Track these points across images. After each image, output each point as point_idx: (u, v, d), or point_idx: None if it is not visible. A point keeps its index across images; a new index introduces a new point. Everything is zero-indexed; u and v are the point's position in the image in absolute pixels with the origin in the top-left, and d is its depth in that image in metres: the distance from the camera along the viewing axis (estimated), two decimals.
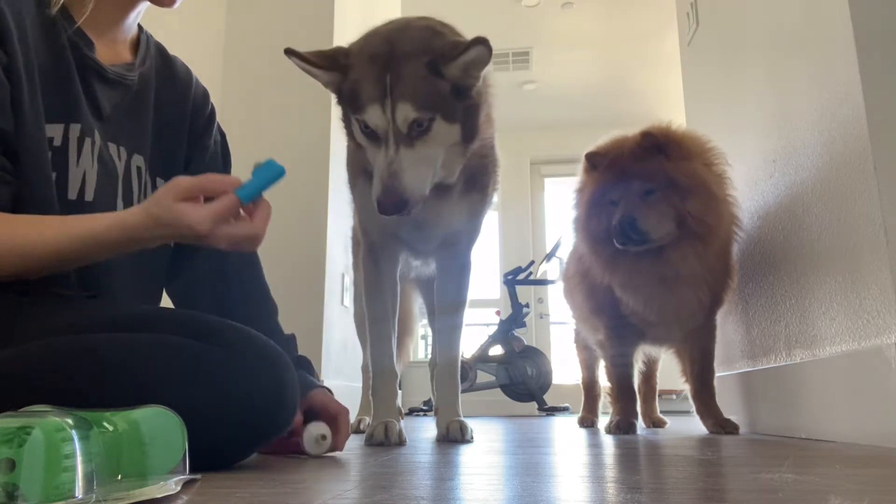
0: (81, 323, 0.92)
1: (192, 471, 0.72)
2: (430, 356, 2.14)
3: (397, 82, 1.19)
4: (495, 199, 1.63)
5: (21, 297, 0.96)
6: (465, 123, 1.26)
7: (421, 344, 5.10)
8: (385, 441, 1.38)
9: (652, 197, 1.65)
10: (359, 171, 1.47)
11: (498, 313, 5.10)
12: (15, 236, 0.90)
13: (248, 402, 0.87)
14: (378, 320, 1.53)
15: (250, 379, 0.88)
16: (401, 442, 1.40)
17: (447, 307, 1.61)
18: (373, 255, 1.53)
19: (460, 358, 1.61)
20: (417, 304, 2.24)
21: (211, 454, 0.86)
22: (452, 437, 1.47)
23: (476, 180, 1.47)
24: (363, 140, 1.28)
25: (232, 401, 0.87)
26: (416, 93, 1.19)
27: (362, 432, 1.68)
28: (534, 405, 4.30)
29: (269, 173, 0.91)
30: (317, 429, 1.11)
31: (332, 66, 1.25)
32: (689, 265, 1.67)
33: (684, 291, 1.74)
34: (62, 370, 0.85)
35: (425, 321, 2.28)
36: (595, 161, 1.76)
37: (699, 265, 1.69)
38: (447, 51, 1.21)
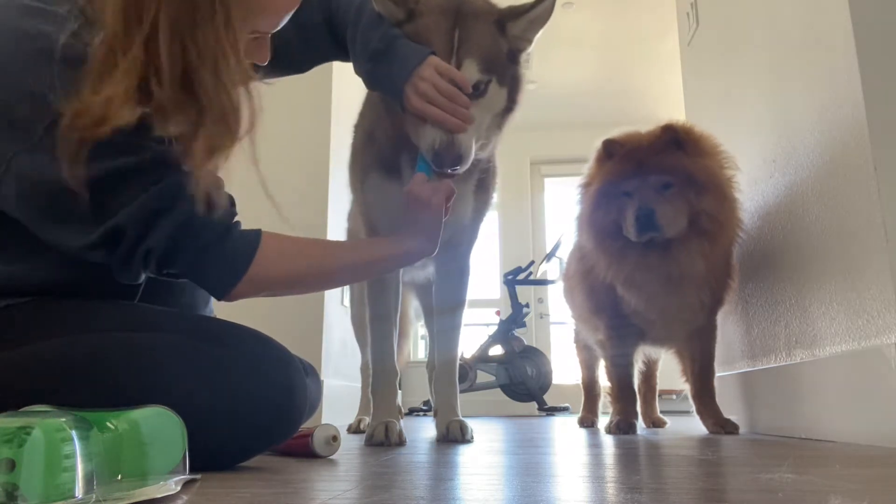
0: (96, 323, 0.92)
1: (198, 470, 0.72)
2: (428, 357, 2.14)
3: (466, 39, 1.20)
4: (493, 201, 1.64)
5: (40, 298, 0.96)
6: (511, 91, 1.27)
7: (421, 344, 5.10)
8: (385, 441, 1.38)
9: (669, 191, 1.63)
10: (372, 165, 1.44)
11: (498, 313, 5.09)
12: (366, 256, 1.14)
13: (258, 403, 0.88)
14: (380, 318, 1.53)
15: (261, 381, 0.89)
16: (401, 442, 1.40)
17: (446, 308, 1.61)
18: None
19: (459, 358, 1.62)
20: (413, 306, 2.24)
21: (219, 454, 0.86)
22: (452, 437, 1.47)
23: (484, 184, 1.50)
24: None
25: (243, 402, 0.87)
26: (483, 52, 1.20)
27: (362, 432, 1.68)
28: (534, 405, 4.29)
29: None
30: (326, 430, 1.11)
31: (402, 1, 1.24)
32: (695, 265, 1.67)
33: (687, 291, 1.73)
34: (77, 369, 0.85)
35: (423, 322, 2.28)
36: (612, 149, 1.73)
37: (704, 265, 1.68)
38: (510, 11, 1.25)
